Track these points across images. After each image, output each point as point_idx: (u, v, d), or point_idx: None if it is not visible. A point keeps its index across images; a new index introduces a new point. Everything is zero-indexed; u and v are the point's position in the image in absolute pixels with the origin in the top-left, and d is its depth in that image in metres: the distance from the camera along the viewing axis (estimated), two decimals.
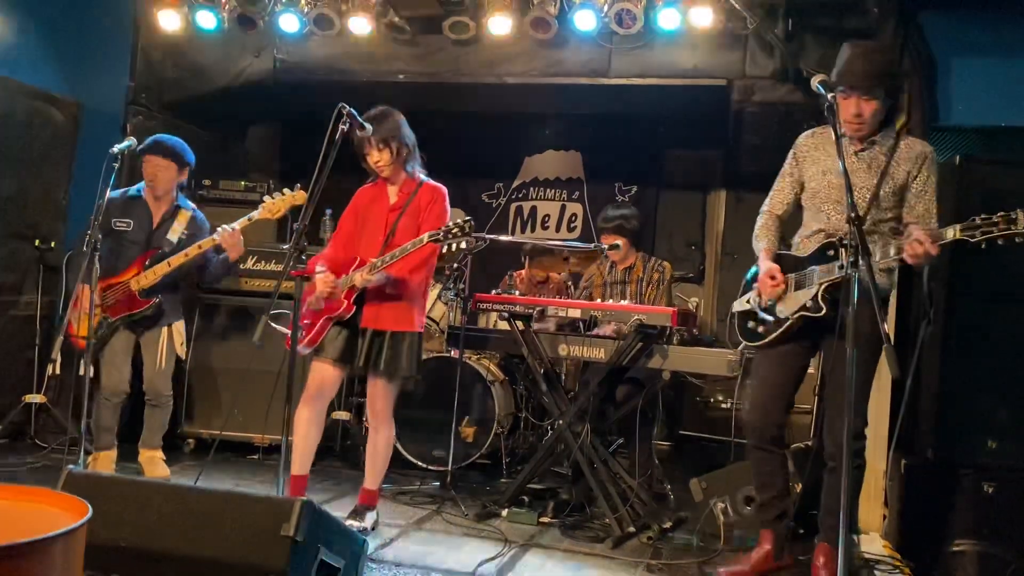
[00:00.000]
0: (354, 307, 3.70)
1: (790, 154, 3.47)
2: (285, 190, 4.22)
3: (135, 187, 4.47)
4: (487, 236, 4.82)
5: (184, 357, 4.60)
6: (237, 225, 4.22)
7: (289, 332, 3.53)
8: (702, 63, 4.84)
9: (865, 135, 3.21)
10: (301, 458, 3.74)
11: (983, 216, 2.79)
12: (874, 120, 3.17)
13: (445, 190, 3.85)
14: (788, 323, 3.27)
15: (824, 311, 3.16)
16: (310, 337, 3.69)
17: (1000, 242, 2.77)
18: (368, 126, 3.59)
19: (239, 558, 2.40)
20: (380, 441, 3.84)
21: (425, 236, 3.51)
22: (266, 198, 4.26)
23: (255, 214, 4.23)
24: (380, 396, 3.78)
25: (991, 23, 4.34)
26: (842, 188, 3.16)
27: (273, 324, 3.29)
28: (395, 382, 3.76)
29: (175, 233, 4.38)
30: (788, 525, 3.42)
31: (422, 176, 3.88)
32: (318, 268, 3.72)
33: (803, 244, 3.38)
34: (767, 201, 3.52)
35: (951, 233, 2.85)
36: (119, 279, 4.29)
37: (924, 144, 3.25)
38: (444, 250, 3.60)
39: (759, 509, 3.51)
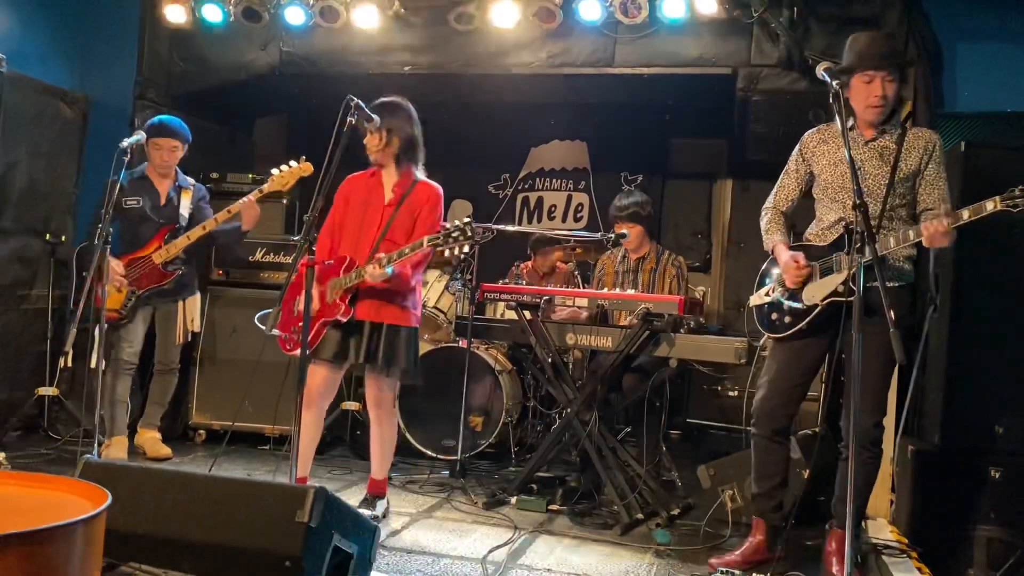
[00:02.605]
0: (352, 310, 3.63)
1: (795, 151, 3.47)
2: (291, 162, 4.41)
3: (138, 168, 4.69)
4: (494, 227, 4.82)
5: (198, 331, 4.90)
6: (249, 198, 4.48)
7: (279, 333, 3.59)
8: (707, 52, 4.84)
9: (882, 120, 3.23)
10: (301, 460, 3.71)
11: (1022, 188, 2.78)
12: (893, 102, 3.21)
13: (441, 191, 3.78)
14: (817, 310, 3.25)
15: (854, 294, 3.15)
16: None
17: None
18: (376, 117, 3.59)
19: (254, 544, 2.43)
20: (384, 434, 3.83)
21: (424, 240, 3.47)
22: (274, 171, 4.44)
23: (265, 186, 4.48)
24: (379, 389, 3.76)
25: (996, 9, 4.33)
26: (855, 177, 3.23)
27: (261, 326, 3.29)
28: (393, 376, 3.73)
29: (185, 209, 4.69)
30: (783, 516, 3.41)
31: (419, 174, 3.80)
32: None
33: (822, 234, 3.36)
34: (771, 198, 3.53)
35: (991, 205, 2.83)
36: (140, 254, 4.56)
37: (931, 132, 3.27)
38: (447, 254, 3.57)
39: (756, 498, 3.49)
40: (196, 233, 4.57)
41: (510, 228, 5.17)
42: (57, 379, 5.09)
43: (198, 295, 4.84)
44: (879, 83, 3.16)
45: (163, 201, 4.67)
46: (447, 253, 3.51)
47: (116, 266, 4.40)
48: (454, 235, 3.41)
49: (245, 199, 4.50)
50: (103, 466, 2.69)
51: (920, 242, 3.01)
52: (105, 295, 4.11)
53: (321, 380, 3.70)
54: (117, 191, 4.06)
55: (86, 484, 1.97)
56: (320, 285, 3.65)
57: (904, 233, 3.06)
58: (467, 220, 3.42)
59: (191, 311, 4.76)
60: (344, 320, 3.62)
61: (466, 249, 3.44)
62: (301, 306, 3.60)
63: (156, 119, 4.70)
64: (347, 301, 3.62)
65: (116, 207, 4.17)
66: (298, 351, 3.59)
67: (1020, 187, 2.79)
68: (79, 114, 5.52)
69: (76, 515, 1.74)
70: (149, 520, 2.52)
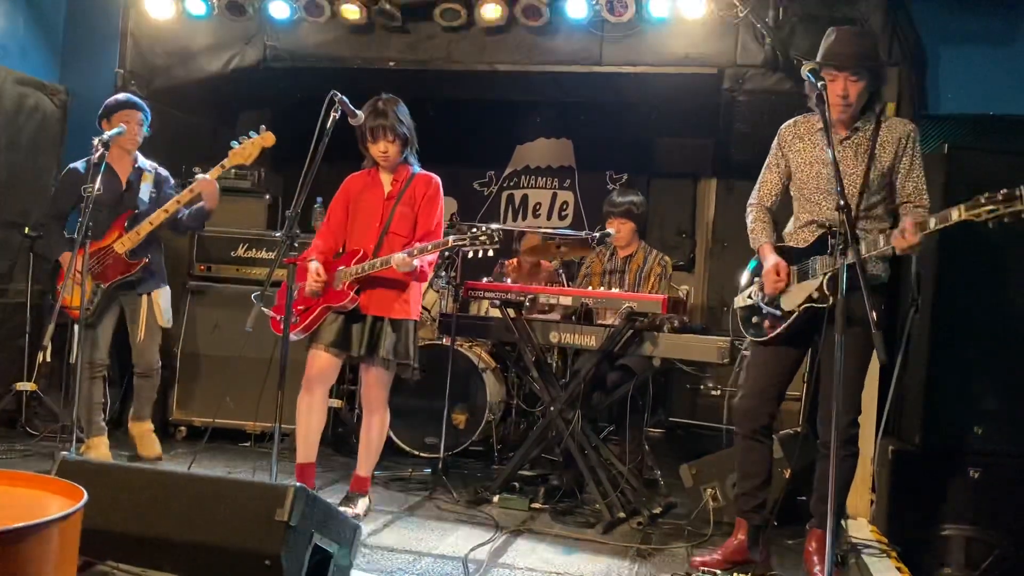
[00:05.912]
0: (358, 299, 3.66)
1: (774, 144, 3.45)
2: (251, 132, 4.23)
3: (96, 154, 4.26)
4: (492, 227, 4.81)
5: (168, 326, 4.57)
6: (210, 175, 4.27)
7: (275, 315, 3.55)
8: (693, 51, 4.85)
9: (849, 118, 3.21)
10: (306, 446, 3.73)
11: (987, 195, 2.73)
12: (859, 102, 3.18)
13: (439, 181, 3.84)
14: (794, 316, 3.22)
15: (830, 301, 3.13)
16: (305, 324, 3.66)
17: (1006, 220, 2.70)
18: (360, 113, 3.59)
19: (233, 543, 2.41)
20: (374, 427, 3.83)
21: (451, 238, 3.53)
22: (233, 143, 4.25)
23: (226, 161, 4.27)
24: (377, 383, 3.77)
25: (980, 12, 4.36)
26: (830, 177, 3.15)
27: (265, 310, 3.29)
28: (392, 369, 3.74)
29: (145, 194, 4.43)
30: (765, 516, 3.41)
31: (415, 165, 3.86)
32: (311, 259, 3.70)
33: (796, 235, 3.35)
34: (754, 193, 3.49)
35: (956, 214, 2.78)
36: (102, 244, 4.29)
37: (905, 123, 3.25)
38: (471, 254, 3.64)
39: (738, 498, 3.49)
40: (159, 217, 4.27)
41: (495, 226, 5.14)
42: (36, 374, 5.03)
43: (167, 287, 4.51)
44: (841, 82, 3.13)
45: (123, 186, 4.39)
46: (471, 254, 3.58)
47: (69, 263, 4.05)
48: (480, 239, 3.51)
49: (202, 176, 4.27)
50: (80, 463, 2.65)
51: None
52: (84, 292, 4.00)
53: (321, 365, 3.71)
54: (76, 179, 3.98)
55: (62, 482, 1.95)
56: (327, 275, 3.68)
57: (874, 240, 3.07)
58: (495, 227, 3.54)
59: (159, 304, 4.43)
60: (350, 307, 3.65)
61: (490, 253, 3.51)
62: (298, 292, 3.62)
63: (114, 97, 4.44)
64: (354, 290, 3.65)
65: (76, 195, 4.05)
66: (291, 333, 3.59)
67: (986, 194, 2.72)
68: (59, 107, 5.46)
69: (52, 513, 1.72)
70: (127, 518, 2.49)
